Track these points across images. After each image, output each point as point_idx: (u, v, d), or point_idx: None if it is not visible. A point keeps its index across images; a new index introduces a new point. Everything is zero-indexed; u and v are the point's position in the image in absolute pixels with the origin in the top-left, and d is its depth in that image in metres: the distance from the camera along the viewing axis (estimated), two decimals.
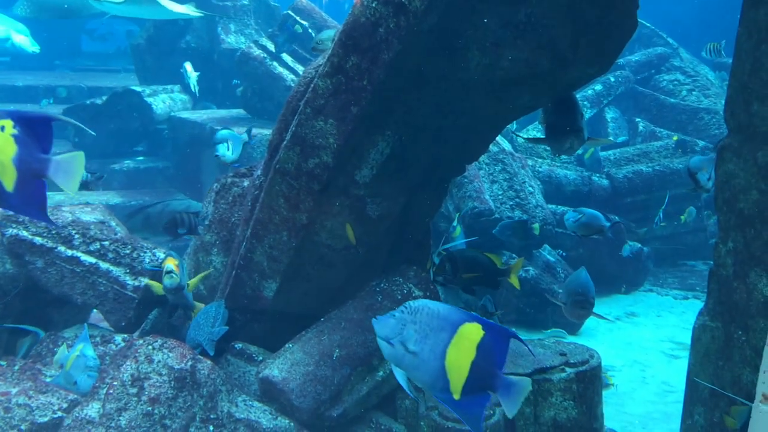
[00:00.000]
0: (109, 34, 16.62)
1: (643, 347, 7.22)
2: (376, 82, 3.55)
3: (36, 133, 2.39)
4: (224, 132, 6.03)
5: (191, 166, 9.30)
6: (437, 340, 2.47)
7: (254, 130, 8.45)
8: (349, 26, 3.49)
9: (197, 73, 8.81)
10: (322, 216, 3.97)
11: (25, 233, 4.56)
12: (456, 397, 2.46)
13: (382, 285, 4.20)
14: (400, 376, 2.58)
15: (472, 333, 2.46)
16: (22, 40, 12.49)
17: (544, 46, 3.77)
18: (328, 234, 4.04)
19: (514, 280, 4.26)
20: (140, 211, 5.59)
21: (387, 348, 2.53)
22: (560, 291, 7.25)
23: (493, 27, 3.73)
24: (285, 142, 3.88)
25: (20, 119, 2.36)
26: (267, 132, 8.33)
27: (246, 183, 4.86)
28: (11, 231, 4.55)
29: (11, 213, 4.61)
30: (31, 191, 2.40)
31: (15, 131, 2.34)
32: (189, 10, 8.82)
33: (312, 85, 3.67)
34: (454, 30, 3.70)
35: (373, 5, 3.40)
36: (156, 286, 4.37)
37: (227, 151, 5.67)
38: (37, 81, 12.26)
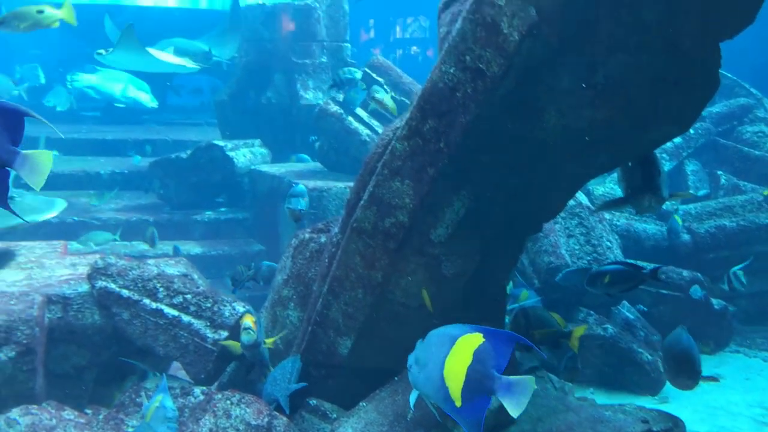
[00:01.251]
0: (197, 90, 17.45)
1: (730, 413, 6.85)
2: (452, 144, 3.60)
3: (8, 125, 2.42)
4: (300, 187, 6.19)
5: (269, 217, 9.54)
6: (439, 352, 2.56)
7: (329, 183, 8.65)
8: (426, 91, 3.57)
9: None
10: (397, 274, 4.01)
11: (113, 286, 4.77)
12: (457, 404, 2.48)
13: None
14: (414, 396, 2.60)
15: (470, 341, 2.52)
16: (143, 96, 13.36)
17: (622, 107, 3.76)
18: (403, 292, 4.07)
19: (574, 343, 4.22)
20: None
21: (409, 373, 2.56)
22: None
23: (571, 89, 3.74)
24: (362, 202, 3.96)
25: None
26: (341, 185, 8.50)
27: (323, 239, 4.95)
28: (101, 283, 4.77)
29: (101, 266, 4.84)
30: None
31: None
32: (186, 62, 8.97)
33: (389, 147, 3.75)
34: (531, 92, 3.74)
35: (451, 71, 3.47)
36: (233, 345, 4.47)
37: (299, 205, 5.80)
38: (126, 134, 12.92)
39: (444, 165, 3.65)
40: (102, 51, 7.88)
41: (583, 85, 3.72)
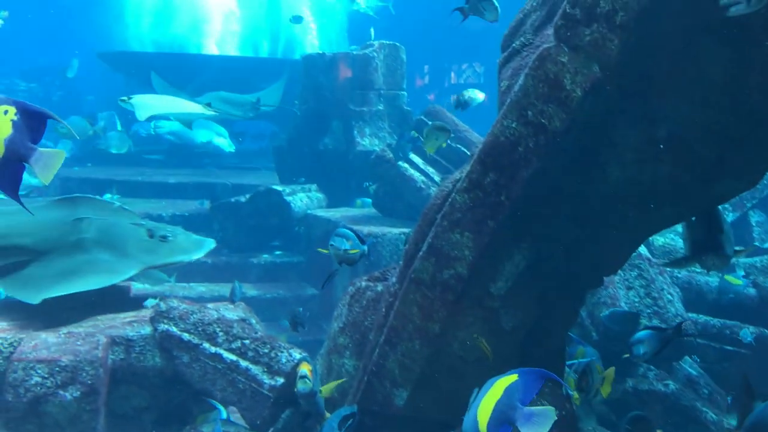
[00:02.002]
0: (258, 136, 17.98)
1: None
2: (513, 197, 3.60)
3: (32, 125, 2.64)
4: (344, 230, 6.24)
5: (323, 262, 9.63)
6: (480, 395, 2.72)
7: (384, 229, 8.70)
8: (488, 145, 3.60)
9: None
10: (455, 327, 3.99)
11: (175, 329, 4.87)
12: None
13: None
14: None
15: (506, 380, 2.71)
16: (222, 141, 13.95)
17: (686, 162, 3.71)
18: (461, 345, 4.04)
19: (605, 390, 4.19)
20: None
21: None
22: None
23: (634, 143, 3.72)
24: (421, 253, 3.97)
25: (23, 109, 2.62)
26: (396, 231, 8.55)
27: (380, 288, 4.97)
28: (163, 326, 4.88)
29: (164, 310, 4.96)
30: (10, 171, 2.64)
31: (15, 117, 2.60)
32: (203, 109, 9.28)
33: (449, 199, 3.78)
34: (593, 146, 3.73)
35: (513, 125, 3.50)
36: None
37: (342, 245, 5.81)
38: (187, 178, 13.29)
39: (505, 218, 3.65)
40: (125, 98, 8.43)
41: (646, 140, 3.69)
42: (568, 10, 3.41)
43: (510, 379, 2.72)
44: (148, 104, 8.51)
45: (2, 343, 4.64)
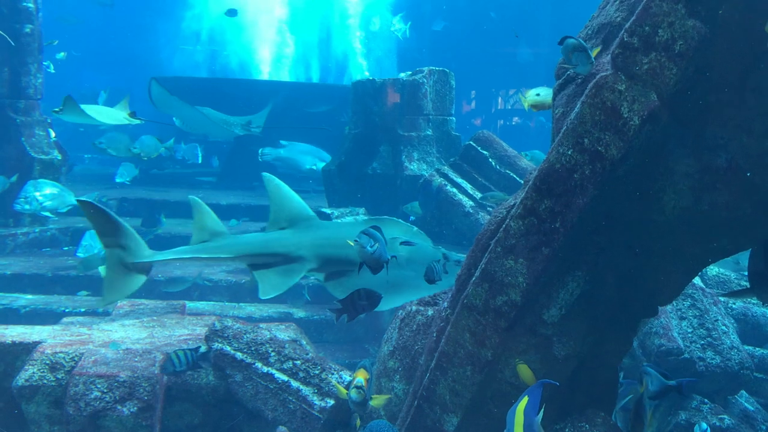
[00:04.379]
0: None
1: None
2: (568, 224, 3.60)
3: None
4: (373, 230, 6.32)
5: None
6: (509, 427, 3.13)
7: None
8: (543, 171, 3.62)
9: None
10: (507, 353, 3.98)
11: (228, 348, 4.96)
12: None
13: (566, 430, 4.07)
14: None
15: (521, 405, 3.16)
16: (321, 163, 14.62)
17: (745, 191, 3.67)
18: (512, 372, 4.02)
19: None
20: None
21: None
22: None
23: (691, 171, 3.70)
24: (474, 279, 3.99)
25: None
26: None
27: (430, 312, 5.00)
28: (217, 345, 4.98)
29: (218, 329, 5.06)
30: None
31: None
32: (125, 119, 9.52)
33: (504, 225, 3.80)
34: (649, 174, 3.72)
35: (569, 153, 3.51)
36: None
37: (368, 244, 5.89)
38: (238, 200, 13.56)
39: (559, 245, 3.65)
40: (57, 109, 8.88)
41: (703, 169, 3.67)
42: (626, 39, 3.43)
43: (524, 402, 3.17)
44: (76, 112, 9.05)
45: (64, 357, 4.80)
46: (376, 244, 4.41)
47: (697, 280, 8.29)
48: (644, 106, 3.39)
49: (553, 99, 4.31)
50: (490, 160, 9.66)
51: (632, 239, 3.86)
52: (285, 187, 6.62)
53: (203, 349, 4.92)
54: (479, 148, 9.87)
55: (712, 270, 8.94)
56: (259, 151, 14.39)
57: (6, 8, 10.32)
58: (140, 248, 5.77)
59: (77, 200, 6.19)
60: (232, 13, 15.62)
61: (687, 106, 3.57)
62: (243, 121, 13.63)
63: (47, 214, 9.32)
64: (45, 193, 8.98)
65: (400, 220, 6.59)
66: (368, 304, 4.60)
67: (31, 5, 10.50)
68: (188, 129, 14.52)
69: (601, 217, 3.70)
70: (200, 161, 13.37)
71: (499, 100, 37.32)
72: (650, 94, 3.40)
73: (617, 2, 4.16)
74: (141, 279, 5.77)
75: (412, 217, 10.32)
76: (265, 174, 6.73)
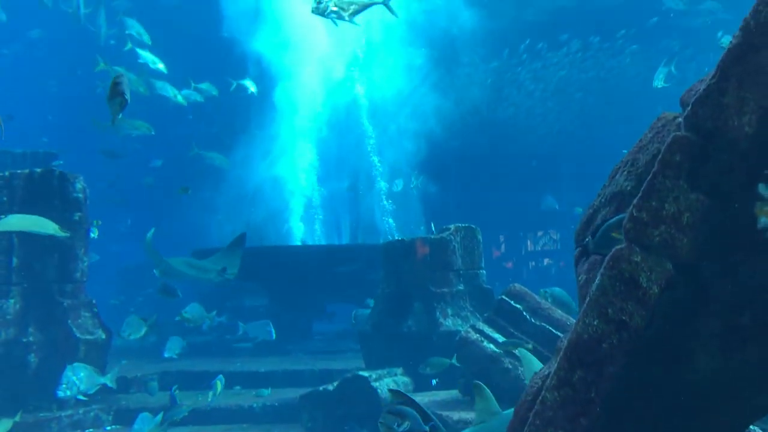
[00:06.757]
0: (333, 314, 18.52)
1: None
2: (603, 393, 3.68)
3: None
4: (400, 408, 6.22)
5: None
6: None
7: (463, 414, 8.59)
8: (572, 342, 3.75)
9: None
10: None
11: None
12: None
13: None
14: None
15: None
16: None
17: None
18: None
19: None
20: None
21: None
22: None
23: (717, 332, 3.79)
24: None
25: None
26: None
27: None
28: None
29: None
30: None
31: None
32: (56, 229, 9.76)
33: (540, 397, 3.87)
34: (677, 337, 3.81)
35: (595, 323, 3.66)
36: None
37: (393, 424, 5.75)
38: (276, 366, 13.62)
39: (596, 414, 3.70)
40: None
41: (730, 329, 3.76)
42: (635, 214, 3.67)
43: None
44: (7, 223, 9.81)
45: None
46: (405, 422, 4.31)
47: None
48: (661, 276, 3.56)
49: (575, 264, 4.52)
50: (524, 313, 9.75)
51: (669, 402, 3.89)
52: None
53: None
54: (512, 302, 9.99)
55: None
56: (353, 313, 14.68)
57: (58, 200, 11.11)
58: None
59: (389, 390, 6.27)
60: (184, 190, 16.04)
61: (706, 272, 3.73)
62: (218, 267, 13.97)
63: (81, 397, 9.73)
64: (80, 376, 9.41)
65: None
66: None
67: (80, 195, 11.29)
68: (166, 277, 14.78)
69: (635, 384, 3.77)
70: (274, 337, 13.41)
71: (528, 242, 37.66)
72: (666, 263, 3.58)
73: (625, 172, 4.47)
74: None
75: (434, 381, 10.30)
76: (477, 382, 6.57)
